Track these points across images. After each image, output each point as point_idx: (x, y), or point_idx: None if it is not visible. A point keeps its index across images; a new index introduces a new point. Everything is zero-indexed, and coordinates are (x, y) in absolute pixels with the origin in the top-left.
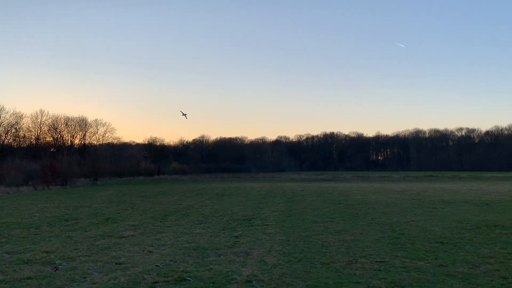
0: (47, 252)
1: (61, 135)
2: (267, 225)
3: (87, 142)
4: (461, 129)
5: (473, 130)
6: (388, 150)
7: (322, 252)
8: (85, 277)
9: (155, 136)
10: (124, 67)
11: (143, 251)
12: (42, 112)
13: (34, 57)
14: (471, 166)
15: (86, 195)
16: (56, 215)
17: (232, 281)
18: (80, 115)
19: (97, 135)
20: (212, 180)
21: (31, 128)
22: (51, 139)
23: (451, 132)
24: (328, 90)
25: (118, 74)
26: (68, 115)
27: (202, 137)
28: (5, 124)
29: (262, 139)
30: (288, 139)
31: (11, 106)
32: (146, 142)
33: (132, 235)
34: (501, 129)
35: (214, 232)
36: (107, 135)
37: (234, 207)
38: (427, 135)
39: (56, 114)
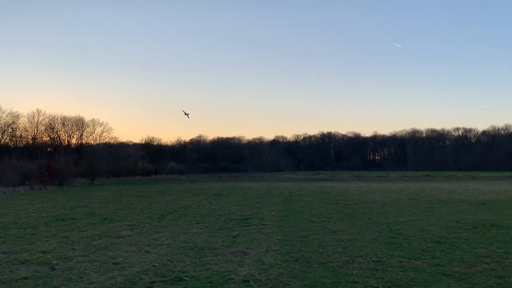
0: (43, 252)
1: (58, 135)
2: (264, 225)
3: (84, 142)
4: (458, 129)
5: (470, 130)
6: (385, 150)
7: (319, 252)
8: (82, 277)
9: (152, 136)
10: (121, 67)
11: (140, 251)
12: (39, 111)
13: (32, 57)
14: (468, 166)
15: (83, 195)
16: (53, 215)
17: (229, 281)
18: (77, 115)
19: (94, 135)
20: (210, 180)
21: (27, 128)
22: (48, 138)
23: (448, 132)
24: (326, 90)
25: (115, 74)
26: (65, 115)
27: (200, 137)
28: (2, 124)
29: (259, 139)
30: (286, 139)
31: (8, 105)
32: (143, 142)
33: (129, 235)
34: (498, 129)
35: (211, 232)
36: (104, 134)
37: (232, 207)
38: (424, 135)
39: (53, 114)
